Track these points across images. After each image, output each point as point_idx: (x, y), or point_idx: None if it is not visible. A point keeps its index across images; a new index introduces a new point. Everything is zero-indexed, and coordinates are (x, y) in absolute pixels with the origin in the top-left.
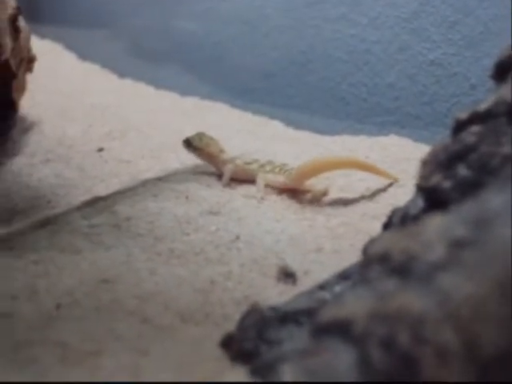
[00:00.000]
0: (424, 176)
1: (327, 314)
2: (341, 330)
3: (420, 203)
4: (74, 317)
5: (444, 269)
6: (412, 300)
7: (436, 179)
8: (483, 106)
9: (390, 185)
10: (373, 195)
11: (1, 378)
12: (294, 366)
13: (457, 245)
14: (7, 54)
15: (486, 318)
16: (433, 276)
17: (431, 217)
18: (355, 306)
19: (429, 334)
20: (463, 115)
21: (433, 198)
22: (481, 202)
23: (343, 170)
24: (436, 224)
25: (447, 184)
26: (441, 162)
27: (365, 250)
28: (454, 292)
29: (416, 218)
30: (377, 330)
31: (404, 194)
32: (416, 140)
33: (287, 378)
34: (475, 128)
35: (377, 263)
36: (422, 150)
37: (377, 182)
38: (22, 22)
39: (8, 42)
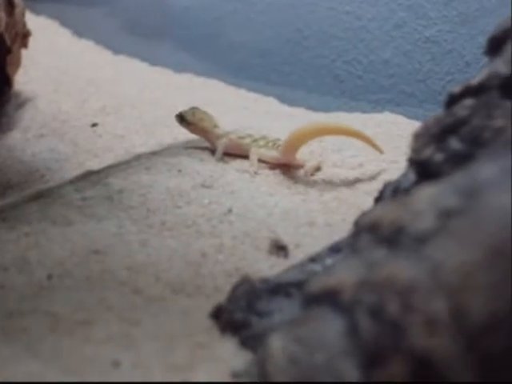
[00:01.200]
0: (416, 149)
1: (317, 284)
2: (329, 298)
3: (412, 176)
4: (65, 287)
5: (433, 238)
6: (401, 269)
7: (428, 152)
8: (476, 80)
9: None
10: (365, 171)
11: None
12: (282, 335)
13: (446, 214)
14: (1, 28)
15: (475, 286)
16: (422, 245)
17: (421, 188)
18: (344, 275)
19: (418, 302)
20: (456, 89)
21: (424, 171)
22: (471, 172)
23: (336, 146)
24: (426, 194)
25: (439, 157)
26: (433, 135)
27: (356, 223)
28: (443, 261)
29: (407, 191)
30: (365, 298)
31: (397, 170)
32: (410, 118)
33: (276, 346)
34: (468, 101)
35: (366, 233)
36: (416, 127)
37: (369, 158)
38: None
39: (2, 16)
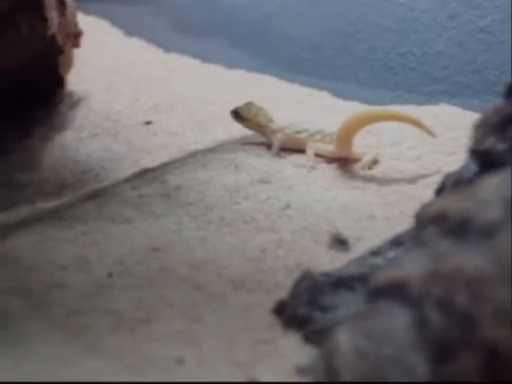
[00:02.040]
0: (477, 139)
1: (382, 277)
2: (396, 291)
3: (473, 167)
4: (126, 285)
5: (501, 228)
6: (469, 260)
7: (489, 142)
8: None
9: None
10: (423, 163)
11: (54, 347)
12: (349, 329)
13: None
14: (54, 28)
15: None
16: (490, 235)
17: (486, 177)
18: (410, 267)
19: (487, 292)
20: None
21: (486, 161)
22: None
23: (393, 139)
24: (492, 184)
25: (501, 146)
26: (494, 125)
27: (417, 215)
28: (511, 250)
29: (470, 182)
30: (433, 290)
31: (455, 162)
32: (466, 109)
33: (343, 340)
34: None
35: (432, 224)
36: (473, 119)
37: (427, 150)
38: None
39: (54, 16)
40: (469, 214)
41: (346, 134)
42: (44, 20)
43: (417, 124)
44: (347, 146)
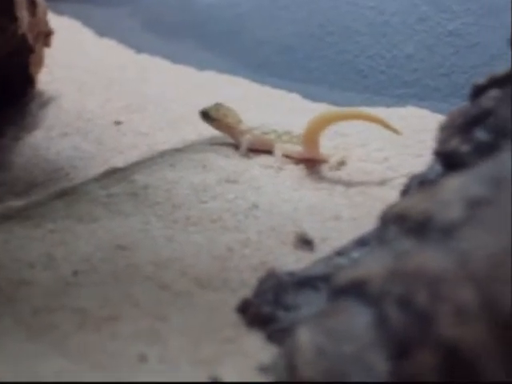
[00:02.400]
0: (442, 140)
1: (344, 276)
2: (357, 290)
3: (438, 168)
4: (92, 283)
5: (462, 227)
6: (430, 259)
7: (454, 143)
8: (501, 71)
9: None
10: (390, 165)
11: (19, 345)
12: (310, 327)
13: (474, 203)
14: (24, 27)
15: (505, 275)
16: (450, 235)
17: (448, 178)
18: (371, 266)
19: (447, 292)
20: (481, 80)
21: (451, 162)
22: (498, 161)
23: (360, 140)
24: (453, 184)
25: (465, 148)
26: (458, 127)
27: (382, 215)
28: (472, 250)
29: (434, 183)
30: (393, 289)
31: (422, 164)
32: (435, 112)
33: (304, 338)
34: (493, 92)
35: (394, 224)
36: (441, 121)
37: (394, 152)
38: None
39: (25, 15)
40: (429, 213)
41: (312, 134)
42: (14, 19)
43: (381, 123)
44: (314, 147)
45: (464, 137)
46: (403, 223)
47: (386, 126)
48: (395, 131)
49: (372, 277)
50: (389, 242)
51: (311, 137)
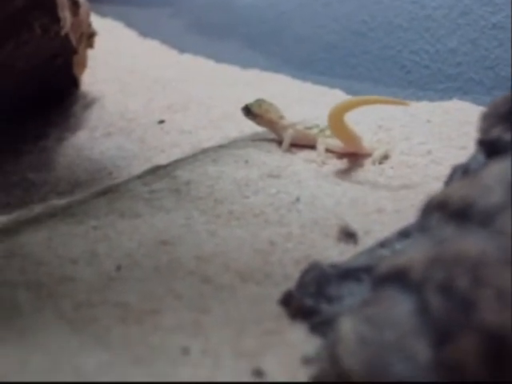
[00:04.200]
0: (484, 129)
1: (386, 265)
2: (399, 278)
3: (481, 158)
4: (134, 278)
5: (502, 212)
6: (471, 244)
7: (496, 132)
8: None
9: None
10: (434, 158)
11: (61, 339)
12: (352, 317)
13: None
14: (67, 28)
15: None
16: (491, 219)
17: (489, 164)
18: (413, 254)
19: (488, 276)
20: None
21: (494, 151)
22: None
23: (403, 134)
24: (494, 170)
25: (508, 136)
26: (501, 115)
27: (424, 205)
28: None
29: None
30: (435, 275)
31: (466, 156)
32: (479, 105)
33: (346, 328)
34: None
35: (435, 212)
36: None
37: (438, 145)
38: None
39: (67, 15)
40: (470, 199)
41: (335, 126)
42: (57, 20)
43: (396, 103)
44: (357, 141)
45: (506, 125)
46: (444, 210)
47: (396, 103)
48: (405, 103)
49: (413, 264)
50: (430, 229)
51: (336, 130)
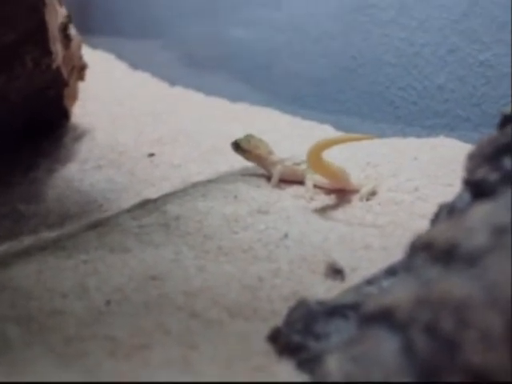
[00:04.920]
0: (470, 169)
1: (372, 304)
2: (385, 317)
3: (467, 197)
4: (124, 312)
5: (487, 254)
6: (455, 285)
7: (482, 172)
8: None
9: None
10: (421, 195)
11: (51, 373)
12: (339, 355)
13: (500, 231)
14: (58, 61)
15: None
16: (476, 262)
17: (475, 206)
18: (399, 293)
19: (473, 318)
20: (509, 109)
21: (479, 191)
22: None
23: (391, 171)
24: (479, 212)
25: (494, 176)
26: (487, 155)
27: (410, 244)
28: (497, 276)
29: (462, 212)
30: (420, 316)
31: (452, 193)
32: (466, 142)
33: (333, 365)
34: None
35: (421, 252)
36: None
37: (425, 182)
38: (72, 31)
39: (59, 49)
40: (455, 241)
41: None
42: (48, 53)
43: (362, 138)
44: (344, 178)
45: (492, 165)
46: (430, 251)
47: (363, 138)
48: (371, 138)
49: (399, 304)
50: (416, 269)
51: (318, 170)
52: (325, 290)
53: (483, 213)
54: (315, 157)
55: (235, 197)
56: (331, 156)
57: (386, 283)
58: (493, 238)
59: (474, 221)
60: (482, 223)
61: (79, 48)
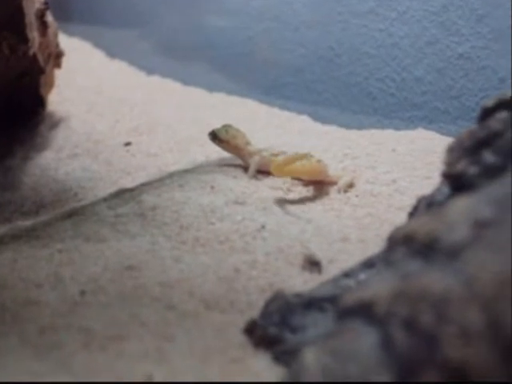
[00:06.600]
0: (450, 163)
1: (350, 298)
2: (363, 311)
3: (446, 190)
4: (98, 303)
5: (468, 248)
6: (435, 280)
7: (462, 165)
8: (509, 94)
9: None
10: (398, 187)
11: (25, 364)
12: (316, 348)
13: (481, 225)
14: (35, 48)
15: (510, 297)
16: (456, 256)
17: (455, 199)
18: (378, 287)
19: (452, 313)
20: (490, 102)
21: (458, 185)
22: (506, 183)
23: (369, 163)
24: (460, 206)
25: (473, 170)
26: (467, 149)
27: (390, 237)
28: (477, 271)
29: (441, 205)
30: (399, 310)
31: (430, 186)
32: (444, 134)
33: (310, 359)
34: (501, 114)
35: (401, 246)
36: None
37: (403, 174)
38: (49, 18)
39: (35, 36)
40: (436, 234)
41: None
42: (25, 39)
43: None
44: (323, 169)
45: (472, 159)
46: (410, 245)
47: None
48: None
49: (378, 298)
50: (395, 263)
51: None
52: (302, 282)
53: (464, 206)
54: (280, 172)
55: (212, 187)
56: (307, 146)
57: (363, 276)
58: (473, 231)
59: (455, 214)
60: (463, 217)
61: (56, 35)
